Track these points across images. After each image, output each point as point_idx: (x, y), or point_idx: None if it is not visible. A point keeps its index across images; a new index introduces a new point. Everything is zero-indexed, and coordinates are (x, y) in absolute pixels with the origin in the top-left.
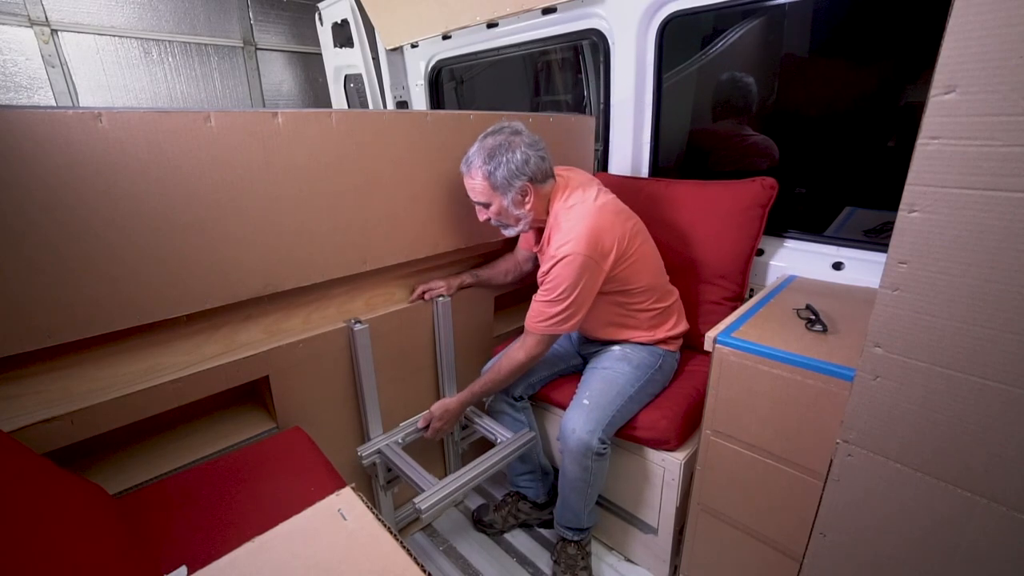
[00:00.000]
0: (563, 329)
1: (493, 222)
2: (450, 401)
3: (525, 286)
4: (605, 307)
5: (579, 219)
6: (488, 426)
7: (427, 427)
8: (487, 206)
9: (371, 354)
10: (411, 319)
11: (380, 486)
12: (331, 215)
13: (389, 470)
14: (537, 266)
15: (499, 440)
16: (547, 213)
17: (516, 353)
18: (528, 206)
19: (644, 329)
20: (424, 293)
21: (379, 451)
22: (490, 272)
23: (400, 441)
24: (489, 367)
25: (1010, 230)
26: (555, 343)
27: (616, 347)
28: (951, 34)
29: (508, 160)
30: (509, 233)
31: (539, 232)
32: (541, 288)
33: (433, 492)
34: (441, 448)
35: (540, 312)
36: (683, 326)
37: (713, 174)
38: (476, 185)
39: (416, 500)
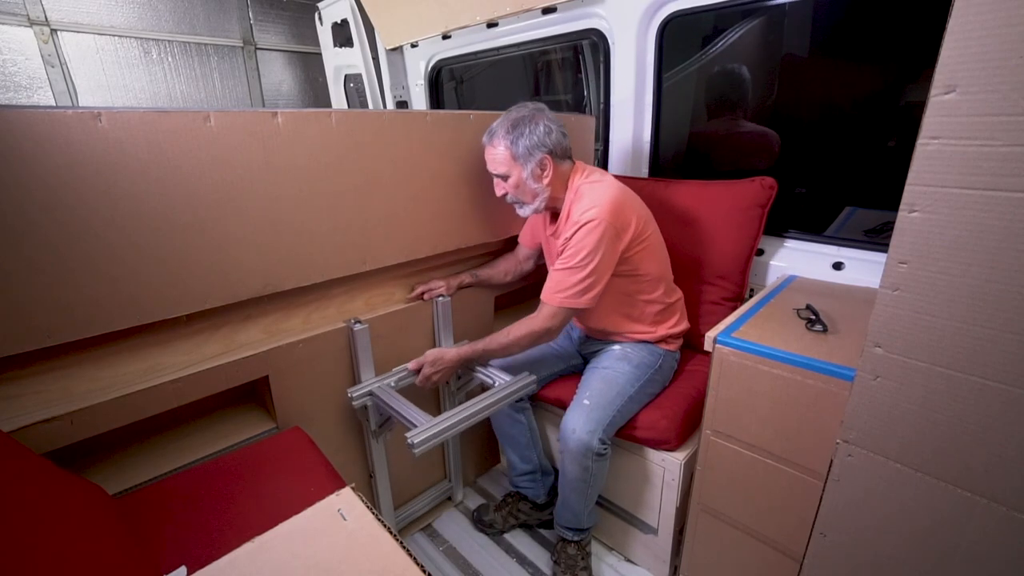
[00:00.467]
0: (581, 302)
1: (510, 198)
2: (447, 351)
3: (527, 285)
4: (614, 295)
5: (603, 190)
6: (487, 372)
7: (419, 372)
8: (506, 178)
9: (371, 354)
10: (411, 319)
11: (371, 432)
12: (331, 215)
13: (380, 414)
14: (537, 266)
15: (497, 383)
16: (564, 191)
17: (531, 322)
18: (546, 180)
19: (648, 323)
20: (423, 293)
21: (370, 392)
22: (490, 272)
23: (392, 384)
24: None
25: (1010, 230)
26: (556, 341)
27: (616, 346)
28: (951, 34)
29: (531, 131)
30: (524, 212)
31: (553, 216)
32: (561, 257)
33: (426, 427)
34: (436, 398)
35: (560, 282)
36: (684, 325)
37: (714, 173)
38: (497, 155)
39: (408, 434)
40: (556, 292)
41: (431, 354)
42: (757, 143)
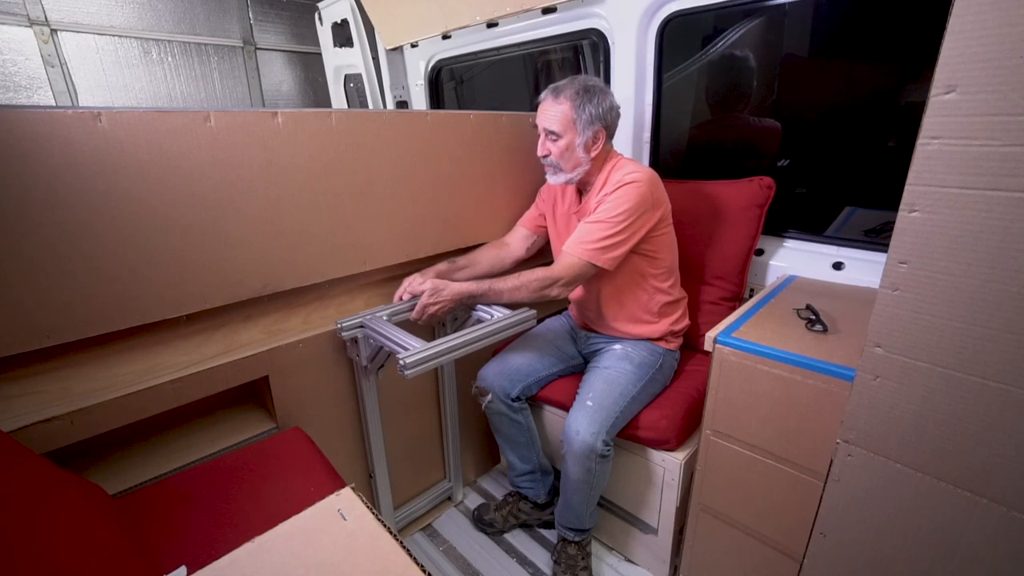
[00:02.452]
0: (603, 259)
1: (550, 160)
2: (450, 282)
3: None
4: (628, 273)
5: (642, 167)
6: (486, 308)
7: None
8: (557, 138)
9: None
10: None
11: (362, 368)
12: (331, 215)
13: (371, 347)
14: (529, 257)
15: (495, 316)
16: (599, 171)
17: (545, 268)
18: (593, 153)
19: (653, 314)
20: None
21: (361, 324)
22: (470, 260)
23: (385, 317)
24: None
25: (1010, 230)
26: (558, 339)
27: (617, 346)
28: (951, 34)
29: (600, 101)
30: (556, 179)
31: (578, 194)
32: (595, 212)
33: (419, 351)
34: (430, 337)
35: (589, 233)
36: (686, 322)
37: (715, 173)
38: (558, 112)
39: (400, 355)
40: (581, 243)
41: (432, 282)
42: (762, 136)
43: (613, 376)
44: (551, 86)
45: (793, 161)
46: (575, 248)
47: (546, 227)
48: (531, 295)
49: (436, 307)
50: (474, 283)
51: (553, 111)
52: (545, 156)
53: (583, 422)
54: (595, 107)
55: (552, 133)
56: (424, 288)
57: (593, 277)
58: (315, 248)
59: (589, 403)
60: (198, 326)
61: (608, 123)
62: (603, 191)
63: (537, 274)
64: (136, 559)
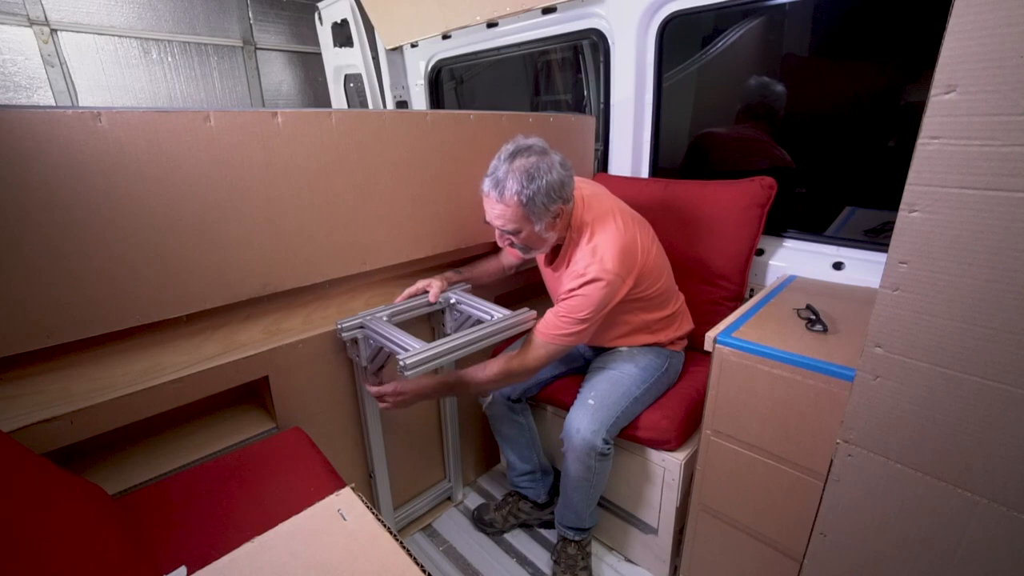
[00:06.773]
0: (575, 342)
1: (515, 245)
2: (422, 380)
3: (527, 284)
4: (617, 315)
5: (608, 240)
6: (484, 307)
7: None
8: (516, 233)
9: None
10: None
11: (362, 369)
12: (331, 215)
13: (371, 348)
14: (519, 269)
15: (495, 316)
16: (567, 229)
17: (512, 362)
18: (557, 227)
19: (651, 332)
20: (420, 293)
21: (361, 324)
22: (473, 272)
23: (384, 318)
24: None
25: (1010, 230)
26: None
27: (623, 348)
28: (951, 34)
29: (548, 183)
30: (528, 255)
31: (554, 248)
32: (561, 304)
33: (419, 351)
34: (431, 339)
35: (556, 325)
36: (689, 326)
37: (714, 175)
38: (507, 211)
39: (400, 356)
40: (552, 332)
41: (397, 385)
42: (771, 153)
43: (617, 377)
44: (491, 175)
45: (794, 161)
46: (546, 335)
47: None
48: (501, 386)
49: (404, 399)
50: (450, 378)
51: (500, 212)
52: (507, 245)
53: (584, 419)
54: (545, 190)
55: (507, 232)
56: (399, 387)
57: None
58: (315, 248)
59: (591, 401)
60: (198, 326)
61: (564, 193)
62: (571, 270)
63: (511, 365)
64: (136, 559)
